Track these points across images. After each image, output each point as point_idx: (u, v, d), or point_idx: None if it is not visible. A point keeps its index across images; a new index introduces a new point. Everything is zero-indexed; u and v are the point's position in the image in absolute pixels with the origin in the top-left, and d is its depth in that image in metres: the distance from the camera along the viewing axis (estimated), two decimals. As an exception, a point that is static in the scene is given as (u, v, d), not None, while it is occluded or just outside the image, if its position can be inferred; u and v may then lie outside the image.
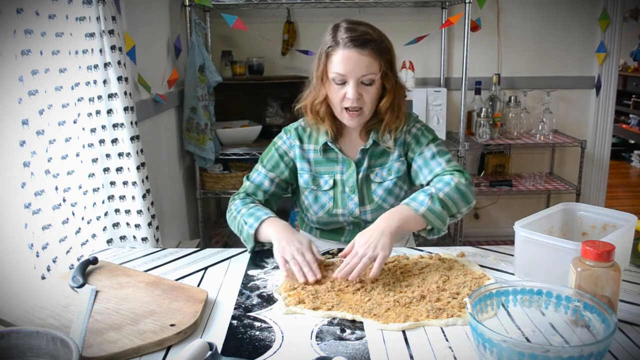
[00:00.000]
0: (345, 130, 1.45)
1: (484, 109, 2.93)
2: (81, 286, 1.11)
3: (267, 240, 1.31)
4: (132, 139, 1.61)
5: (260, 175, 1.46)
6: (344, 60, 1.28)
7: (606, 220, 1.27)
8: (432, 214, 1.24)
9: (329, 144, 1.42)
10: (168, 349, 0.92)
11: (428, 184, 1.37)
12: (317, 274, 1.17)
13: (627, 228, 1.16)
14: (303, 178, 1.45)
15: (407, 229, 1.25)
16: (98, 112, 1.56)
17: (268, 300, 1.10)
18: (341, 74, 1.29)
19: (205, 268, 1.27)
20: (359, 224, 1.46)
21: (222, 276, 1.22)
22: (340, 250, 1.36)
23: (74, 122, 1.43)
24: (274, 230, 1.28)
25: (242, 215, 1.36)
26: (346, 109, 1.33)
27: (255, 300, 1.10)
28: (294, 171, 1.47)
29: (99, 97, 1.55)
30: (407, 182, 1.48)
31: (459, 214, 1.32)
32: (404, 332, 0.97)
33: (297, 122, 1.49)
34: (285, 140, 1.47)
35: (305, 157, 1.45)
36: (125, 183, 1.63)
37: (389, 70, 1.33)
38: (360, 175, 1.43)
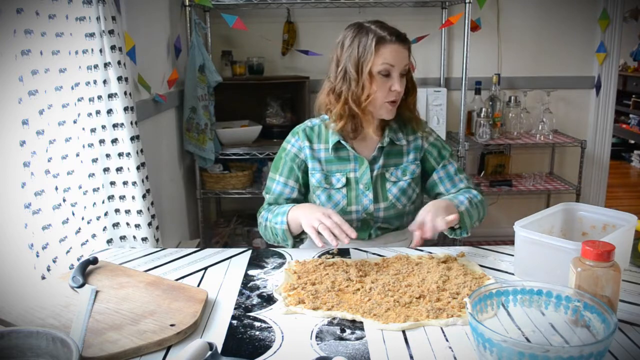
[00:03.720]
0: (363, 128, 1.47)
1: (484, 109, 2.92)
2: (81, 286, 1.11)
3: (298, 228, 1.35)
4: (132, 139, 1.62)
5: (279, 184, 1.49)
6: (393, 52, 1.35)
7: (606, 220, 1.27)
8: (467, 214, 1.36)
9: (342, 142, 1.44)
10: (168, 349, 0.92)
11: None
12: (350, 234, 1.19)
13: (627, 228, 1.16)
14: (315, 177, 1.47)
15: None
16: (98, 112, 1.56)
17: (268, 300, 1.11)
18: (391, 65, 1.35)
19: (205, 268, 1.27)
20: (368, 222, 1.48)
21: (222, 276, 1.22)
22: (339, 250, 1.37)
23: (74, 122, 1.43)
24: (298, 213, 1.33)
25: (269, 221, 1.42)
26: (388, 102, 1.39)
27: (255, 300, 1.10)
28: (306, 172, 1.49)
29: (99, 97, 1.55)
30: (419, 185, 1.53)
31: (475, 224, 1.42)
32: (404, 332, 0.97)
33: (304, 124, 1.52)
34: (293, 143, 1.49)
35: (315, 156, 1.47)
36: (125, 183, 1.63)
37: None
38: (375, 172, 1.46)
